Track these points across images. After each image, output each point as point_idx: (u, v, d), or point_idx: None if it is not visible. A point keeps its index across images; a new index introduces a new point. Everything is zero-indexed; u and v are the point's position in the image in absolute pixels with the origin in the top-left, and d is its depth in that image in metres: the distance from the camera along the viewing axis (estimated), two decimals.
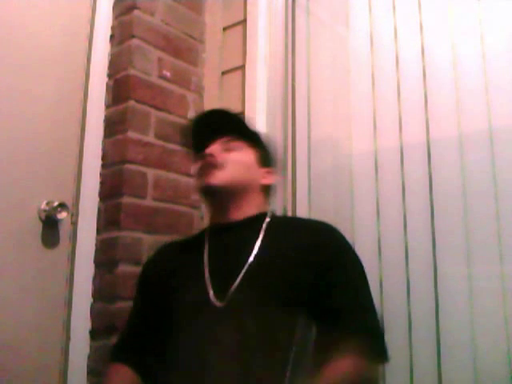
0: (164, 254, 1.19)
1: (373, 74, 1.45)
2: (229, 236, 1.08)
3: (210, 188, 1.07)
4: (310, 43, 1.60)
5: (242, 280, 0.98)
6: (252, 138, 1.14)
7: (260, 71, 1.56)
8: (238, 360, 0.92)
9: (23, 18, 1.42)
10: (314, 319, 0.96)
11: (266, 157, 1.16)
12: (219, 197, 1.09)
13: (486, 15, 1.28)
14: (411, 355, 1.23)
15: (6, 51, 1.37)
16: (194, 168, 1.17)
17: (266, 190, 1.15)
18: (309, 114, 1.56)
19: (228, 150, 1.10)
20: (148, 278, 1.16)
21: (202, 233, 1.16)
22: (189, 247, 1.16)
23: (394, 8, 1.44)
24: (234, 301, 0.97)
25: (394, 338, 1.21)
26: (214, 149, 1.09)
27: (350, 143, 1.45)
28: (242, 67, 1.61)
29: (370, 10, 1.49)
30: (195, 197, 1.61)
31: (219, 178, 1.06)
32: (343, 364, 0.90)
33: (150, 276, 1.16)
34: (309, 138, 1.54)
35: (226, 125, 1.12)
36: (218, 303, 0.98)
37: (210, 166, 1.07)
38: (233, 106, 1.59)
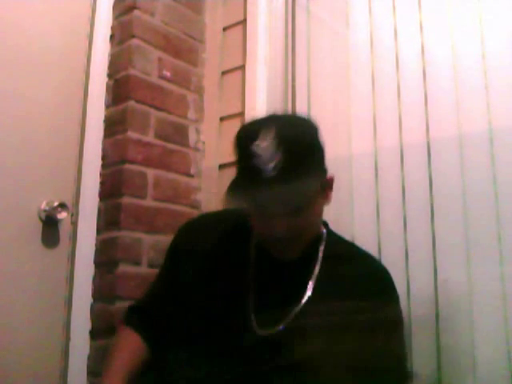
0: (205, 232, 1.11)
1: (373, 74, 1.45)
2: (280, 272, 1.00)
3: (286, 260, 0.98)
4: (310, 43, 1.60)
5: (291, 318, 0.95)
6: (315, 179, 0.95)
7: (260, 71, 1.56)
8: None
9: (23, 18, 1.42)
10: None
11: (325, 176, 1.00)
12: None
13: (485, 15, 1.28)
14: (411, 356, 1.23)
15: (6, 51, 1.37)
16: (255, 230, 1.01)
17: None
18: (309, 113, 1.56)
19: (296, 215, 0.93)
20: (185, 253, 1.09)
21: (247, 238, 1.06)
22: (234, 244, 1.07)
23: (393, 8, 1.44)
24: (279, 335, 0.94)
25: None
26: (283, 230, 0.92)
27: (350, 143, 1.45)
28: (242, 67, 1.61)
29: (369, 9, 1.49)
30: (195, 197, 1.61)
31: (295, 252, 0.98)
32: None
33: (187, 252, 1.09)
34: None
35: (289, 189, 0.89)
36: (259, 330, 0.95)
37: (280, 241, 0.95)
38: (233, 106, 1.60)
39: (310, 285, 0.99)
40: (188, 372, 0.96)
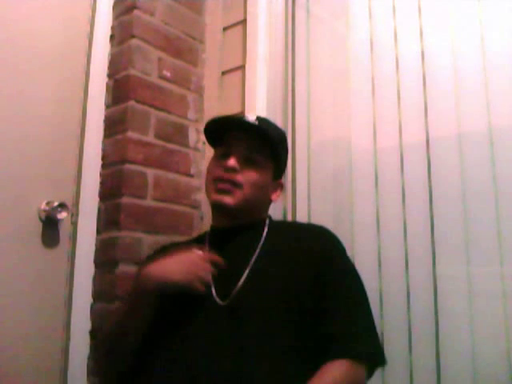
0: (165, 253, 1.19)
1: (373, 74, 1.45)
2: (231, 239, 1.10)
3: (223, 207, 1.08)
4: (310, 43, 1.60)
5: (244, 282, 1.00)
6: (274, 153, 1.13)
7: (260, 71, 1.56)
8: (234, 359, 0.92)
9: (23, 18, 1.42)
10: (312, 330, 0.97)
11: (280, 169, 1.18)
12: (229, 212, 1.10)
13: (486, 16, 1.28)
14: (411, 356, 1.24)
15: (6, 51, 1.37)
16: (210, 166, 1.15)
17: (271, 201, 1.19)
18: (308, 113, 1.56)
19: (249, 163, 1.09)
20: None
21: (203, 235, 1.18)
22: (190, 247, 1.15)
23: (393, 7, 1.44)
24: (236, 301, 0.99)
25: (393, 340, 1.21)
26: (235, 162, 1.07)
27: (350, 143, 1.45)
28: (242, 67, 1.61)
29: (369, 9, 1.48)
30: (195, 197, 1.61)
31: (235, 199, 1.07)
32: (335, 368, 0.91)
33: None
34: (308, 138, 1.54)
35: (264, 138, 1.10)
36: (220, 302, 1.00)
37: (228, 182, 1.07)
38: (233, 106, 1.60)
39: (259, 247, 1.06)
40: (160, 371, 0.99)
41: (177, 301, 1.03)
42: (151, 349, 1.02)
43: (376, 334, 1.00)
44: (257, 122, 1.11)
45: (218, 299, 1.00)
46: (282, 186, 1.20)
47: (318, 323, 0.97)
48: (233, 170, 1.07)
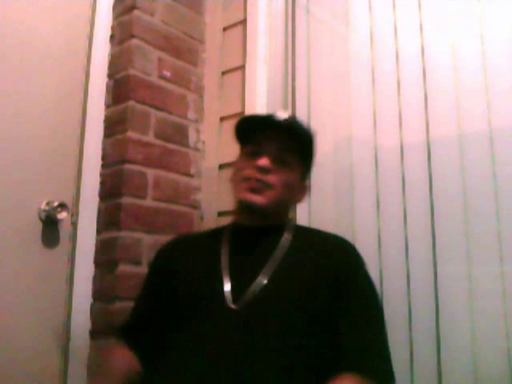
0: (180, 244, 1.19)
1: (373, 74, 1.45)
2: (251, 239, 1.08)
3: (253, 206, 1.05)
4: (310, 43, 1.60)
5: (259, 288, 0.99)
6: (305, 154, 1.12)
7: (260, 71, 1.56)
8: (242, 364, 0.91)
9: (23, 18, 1.42)
10: (325, 343, 0.96)
11: (308, 171, 1.17)
12: (258, 212, 1.07)
13: (485, 15, 1.28)
14: (411, 355, 1.24)
15: (6, 51, 1.37)
16: (239, 165, 1.12)
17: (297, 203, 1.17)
18: (309, 113, 1.56)
19: (280, 163, 1.07)
20: (161, 266, 1.16)
21: (221, 230, 1.16)
22: (207, 242, 1.15)
23: (394, 8, 1.44)
24: (250, 307, 0.97)
25: (394, 338, 1.20)
26: (268, 163, 1.05)
27: (350, 143, 1.45)
28: (242, 67, 1.61)
29: (370, 9, 1.49)
30: (195, 197, 1.61)
31: (266, 199, 1.05)
32: (345, 382, 0.90)
33: (163, 264, 1.16)
34: None
35: (296, 138, 1.09)
36: (233, 305, 0.98)
37: (259, 182, 1.05)
38: (233, 106, 1.60)
39: (278, 252, 1.04)
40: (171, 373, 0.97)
41: (190, 300, 1.02)
42: (162, 345, 1.01)
43: (388, 353, 0.98)
44: (288, 121, 1.09)
45: (231, 303, 0.98)
46: (308, 188, 1.18)
47: (332, 337, 0.96)
48: (265, 170, 1.04)
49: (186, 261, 1.11)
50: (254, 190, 1.05)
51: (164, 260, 1.16)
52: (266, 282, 0.99)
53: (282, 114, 1.10)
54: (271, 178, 1.05)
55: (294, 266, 1.02)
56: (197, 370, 0.92)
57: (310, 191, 1.19)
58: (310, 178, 1.19)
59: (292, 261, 1.03)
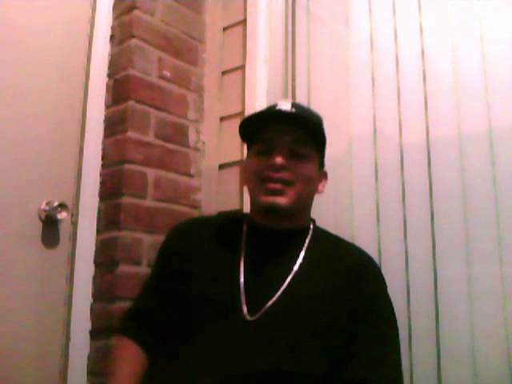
0: (195, 230, 1.12)
1: (373, 74, 1.45)
2: (271, 243, 1.03)
3: (277, 208, 0.99)
4: (310, 43, 1.60)
5: (277, 299, 0.94)
6: (318, 140, 1.05)
7: (260, 71, 1.56)
8: (254, 378, 0.89)
9: (23, 18, 1.42)
10: (338, 364, 0.93)
11: (323, 158, 1.10)
12: (282, 213, 1.01)
13: (486, 16, 1.28)
14: (411, 356, 1.23)
15: (6, 51, 1.37)
16: (252, 167, 1.04)
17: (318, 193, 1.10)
18: None
19: (295, 157, 1.00)
20: (173, 252, 1.09)
21: (240, 223, 1.09)
22: (226, 235, 1.08)
23: (394, 8, 1.44)
24: (265, 319, 0.93)
25: None
26: (283, 159, 0.98)
27: (350, 143, 1.45)
28: (242, 67, 1.61)
29: (370, 9, 1.49)
30: (195, 197, 1.61)
31: (288, 199, 0.98)
32: None
33: (175, 251, 1.09)
34: None
35: (305, 127, 1.01)
36: (248, 316, 0.94)
37: (278, 182, 0.98)
38: (233, 106, 1.60)
39: (298, 261, 1.00)
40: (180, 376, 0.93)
41: (205, 301, 0.97)
42: (171, 340, 0.98)
43: (401, 378, 0.95)
44: (294, 110, 1.02)
45: (247, 313, 0.93)
46: (326, 175, 1.11)
47: (345, 361, 0.92)
48: (281, 167, 0.97)
49: (202, 253, 1.04)
50: (274, 192, 0.98)
51: (178, 244, 1.09)
52: (281, 292, 0.95)
53: (286, 104, 1.04)
54: (290, 175, 0.98)
55: (313, 276, 0.98)
56: (208, 378, 0.89)
57: (327, 177, 1.12)
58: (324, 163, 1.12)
59: (311, 270, 0.98)
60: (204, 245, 1.06)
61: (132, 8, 1.53)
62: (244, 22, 1.64)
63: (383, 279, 1.03)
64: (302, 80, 1.59)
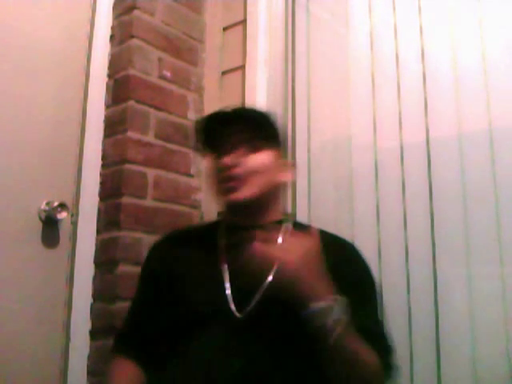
0: (174, 242, 1.15)
1: (373, 74, 1.45)
2: (248, 241, 1.02)
3: (237, 203, 1.03)
4: (310, 43, 1.60)
5: (262, 295, 0.96)
6: (272, 135, 1.09)
7: (260, 71, 1.56)
8: (249, 375, 0.90)
9: (23, 18, 1.42)
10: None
11: (284, 149, 1.13)
12: (244, 207, 1.05)
13: (486, 15, 1.28)
14: (411, 355, 1.23)
15: (6, 51, 1.37)
16: (210, 172, 1.10)
17: (284, 186, 1.13)
18: (309, 113, 1.56)
19: (246, 152, 1.05)
20: (155, 267, 1.12)
21: (216, 227, 1.12)
22: (202, 241, 1.11)
23: (394, 8, 1.44)
24: (252, 316, 0.95)
25: (394, 338, 1.21)
26: (236, 158, 1.03)
27: (350, 143, 1.45)
28: (242, 67, 1.61)
29: (370, 10, 1.48)
30: (195, 197, 1.61)
31: (245, 192, 1.02)
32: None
33: (157, 265, 1.12)
34: (309, 137, 1.54)
35: (245, 124, 1.07)
36: (237, 314, 0.96)
37: (232, 178, 1.03)
38: (233, 106, 1.60)
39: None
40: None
41: (193, 309, 0.99)
42: (165, 352, 1.00)
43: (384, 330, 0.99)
44: (233, 111, 1.08)
45: (235, 310, 0.96)
46: (291, 165, 1.13)
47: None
48: (231, 165, 1.03)
49: (183, 263, 1.07)
50: (230, 190, 1.03)
51: (159, 261, 1.12)
52: (266, 287, 0.96)
53: (227, 109, 1.10)
54: (240, 170, 1.03)
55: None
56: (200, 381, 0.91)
57: (295, 167, 1.13)
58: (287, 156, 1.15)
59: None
60: (185, 255, 1.09)
61: (132, 8, 1.53)
62: (244, 22, 1.64)
63: (369, 267, 1.05)
64: (301, 80, 1.59)
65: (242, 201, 1.02)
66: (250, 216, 1.07)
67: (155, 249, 1.17)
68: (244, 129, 1.07)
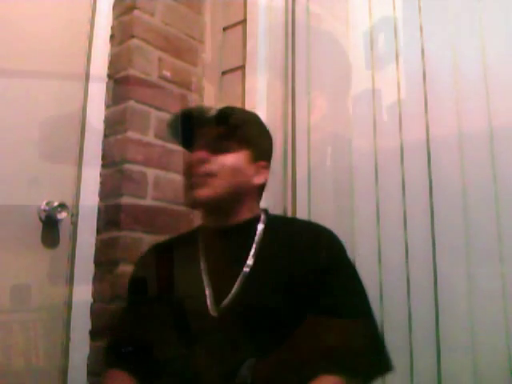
0: (157, 254, 1.18)
1: (373, 74, 1.45)
2: (224, 242, 1.06)
3: (202, 201, 1.03)
4: (310, 43, 1.60)
5: (235, 291, 0.98)
6: (242, 135, 1.07)
7: (260, 71, 1.56)
8: (226, 372, 0.91)
9: (23, 18, 1.42)
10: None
11: (259, 151, 1.10)
12: (212, 206, 1.05)
13: (486, 16, 1.28)
14: (411, 355, 1.23)
15: (6, 51, 1.37)
16: (183, 168, 1.12)
17: (260, 188, 1.11)
18: (309, 113, 1.56)
19: (218, 150, 1.04)
20: (142, 279, 1.15)
21: (194, 234, 1.14)
22: (182, 250, 1.14)
23: (394, 8, 1.44)
24: (227, 312, 0.96)
25: (394, 339, 1.21)
26: (202, 154, 1.04)
27: (350, 143, 1.45)
28: (242, 67, 1.61)
29: (370, 9, 1.48)
30: None
31: (211, 189, 1.02)
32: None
33: (143, 276, 1.15)
34: (309, 138, 1.54)
35: (219, 123, 1.07)
36: (214, 313, 0.97)
37: (201, 176, 1.02)
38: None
39: (252, 251, 1.02)
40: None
41: (178, 316, 1.02)
42: (157, 360, 1.01)
43: (379, 342, 0.97)
44: (214, 112, 1.08)
45: (212, 310, 0.98)
46: (265, 167, 1.10)
47: (311, 337, 0.93)
48: (201, 161, 1.03)
49: (168, 272, 1.09)
50: (197, 185, 1.02)
51: (145, 272, 1.15)
52: (240, 285, 0.98)
53: (209, 110, 1.10)
54: (211, 167, 1.02)
55: (270, 263, 1.00)
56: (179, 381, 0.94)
57: (268, 169, 1.12)
58: (268, 159, 1.13)
59: (267, 257, 1.01)
60: (169, 264, 1.11)
61: (132, 8, 1.53)
62: (244, 21, 1.65)
63: (344, 250, 1.04)
64: (301, 80, 1.59)
65: (206, 198, 1.02)
66: (220, 217, 1.07)
67: (140, 262, 1.21)
68: (218, 128, 1.06)
